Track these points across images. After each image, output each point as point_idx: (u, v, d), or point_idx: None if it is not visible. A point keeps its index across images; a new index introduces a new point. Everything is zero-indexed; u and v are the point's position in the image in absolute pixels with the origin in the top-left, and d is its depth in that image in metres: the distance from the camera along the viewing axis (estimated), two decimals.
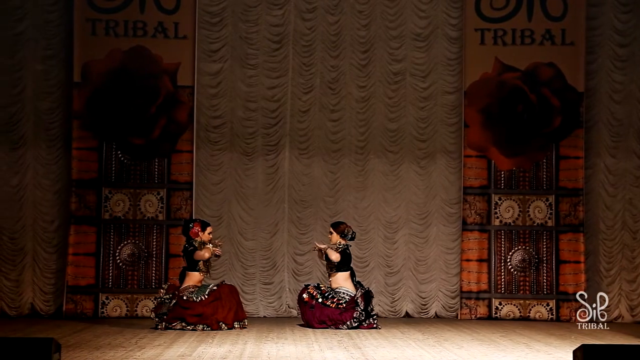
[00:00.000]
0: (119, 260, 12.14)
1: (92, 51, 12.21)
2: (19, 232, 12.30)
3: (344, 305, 10.82)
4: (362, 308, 10.84)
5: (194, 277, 10.74)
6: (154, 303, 10.94)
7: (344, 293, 10.93)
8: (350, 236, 11.14)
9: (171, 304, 10.54)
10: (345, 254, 11.02)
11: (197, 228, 10.85)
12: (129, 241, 12.18)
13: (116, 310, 12.02)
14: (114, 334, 10.07)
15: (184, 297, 10.56)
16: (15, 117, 12.34)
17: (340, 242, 11.07)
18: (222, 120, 12.63)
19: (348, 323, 10.76)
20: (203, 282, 10.81)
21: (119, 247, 12.16)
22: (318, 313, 10.83)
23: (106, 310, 12.01)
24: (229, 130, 12.60)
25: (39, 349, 6.56)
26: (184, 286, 10.70)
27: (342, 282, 11.00)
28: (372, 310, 10.98)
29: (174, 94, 12.28)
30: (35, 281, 12.27)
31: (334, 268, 11.01)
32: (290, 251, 12.66)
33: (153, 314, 10.70)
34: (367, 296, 10.97)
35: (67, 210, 12.23)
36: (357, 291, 10.92)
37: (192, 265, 10.74)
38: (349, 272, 11.04)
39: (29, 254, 12.31)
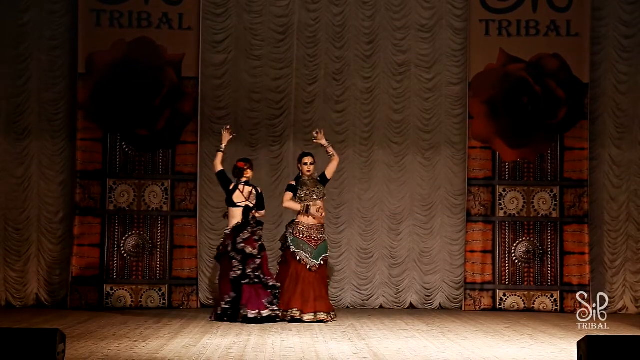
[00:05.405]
0: (123, 251, 12.15)
1: (97, 42, 12.20)
2: (24, 223, 12.32)
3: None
4: None
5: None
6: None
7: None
8: None
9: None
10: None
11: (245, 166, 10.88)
12: (134, 232, 12.20)
13: (121, 301, 12.04)
14: (119, 324, 10.09)
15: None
16: (20, 108, 12.34)
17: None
18: (227, 111, 12.63)
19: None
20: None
21: (124, 238, 12.17)
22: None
23: (111, 301, 12.02)
24: (234, 121, 12.58)
25: (44, 340, 6.58)
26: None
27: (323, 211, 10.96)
28: None
29: (178, 85, 12.28)
30: (40, 272, 12.29)
31: (321, 193, 10.90)
32: None
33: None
34: None
35: (71, 201, 12.25)
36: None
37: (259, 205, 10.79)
38: None
39: (34, 245, 12.33)
